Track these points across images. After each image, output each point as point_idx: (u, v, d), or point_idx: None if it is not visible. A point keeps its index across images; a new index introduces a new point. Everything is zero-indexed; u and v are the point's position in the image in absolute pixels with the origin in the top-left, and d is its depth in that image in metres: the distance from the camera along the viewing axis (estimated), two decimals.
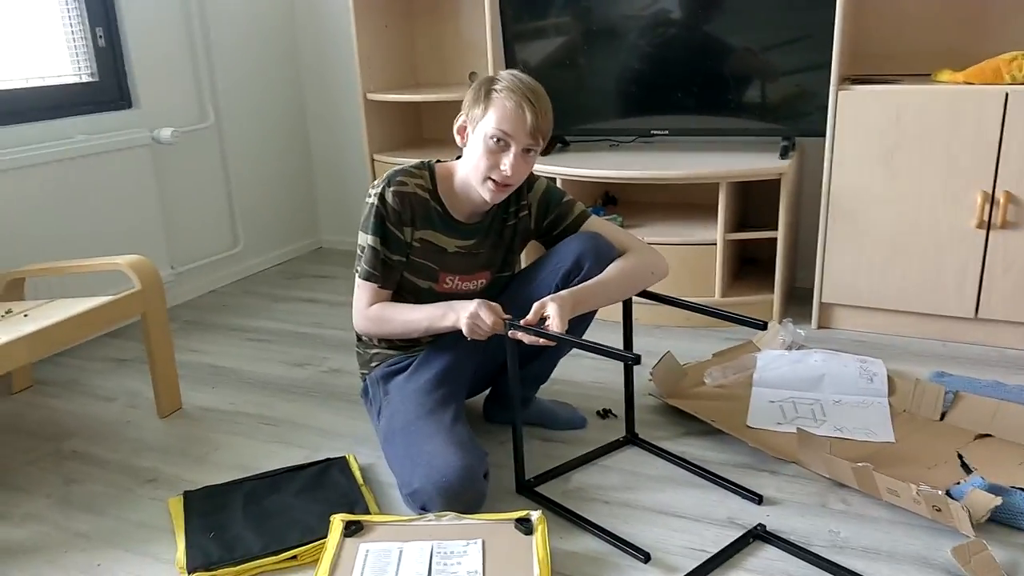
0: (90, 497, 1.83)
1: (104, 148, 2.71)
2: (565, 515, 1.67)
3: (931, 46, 2.60)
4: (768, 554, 1.54)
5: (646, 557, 1.53)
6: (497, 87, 1.65)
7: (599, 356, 2.43)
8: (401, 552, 1.49)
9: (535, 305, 1.59)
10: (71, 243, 2.63)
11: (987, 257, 2.32)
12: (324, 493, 1.76)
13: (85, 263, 2.22)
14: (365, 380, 1.94)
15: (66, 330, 1.92)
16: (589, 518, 1.66)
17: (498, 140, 1.65)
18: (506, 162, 1.66)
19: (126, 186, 2.80)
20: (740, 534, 1.58)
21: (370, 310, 1.77)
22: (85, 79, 2.79)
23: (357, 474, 1.83)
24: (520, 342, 1.60)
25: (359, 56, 3.15)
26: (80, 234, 2.66)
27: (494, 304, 1.65)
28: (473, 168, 1.69)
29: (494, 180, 1.68)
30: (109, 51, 2.83)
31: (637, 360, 1.42)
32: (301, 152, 3.72)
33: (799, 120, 2.64)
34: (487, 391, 2.08)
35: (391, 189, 1.72)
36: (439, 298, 1.77)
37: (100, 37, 2.80)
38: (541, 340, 1.56)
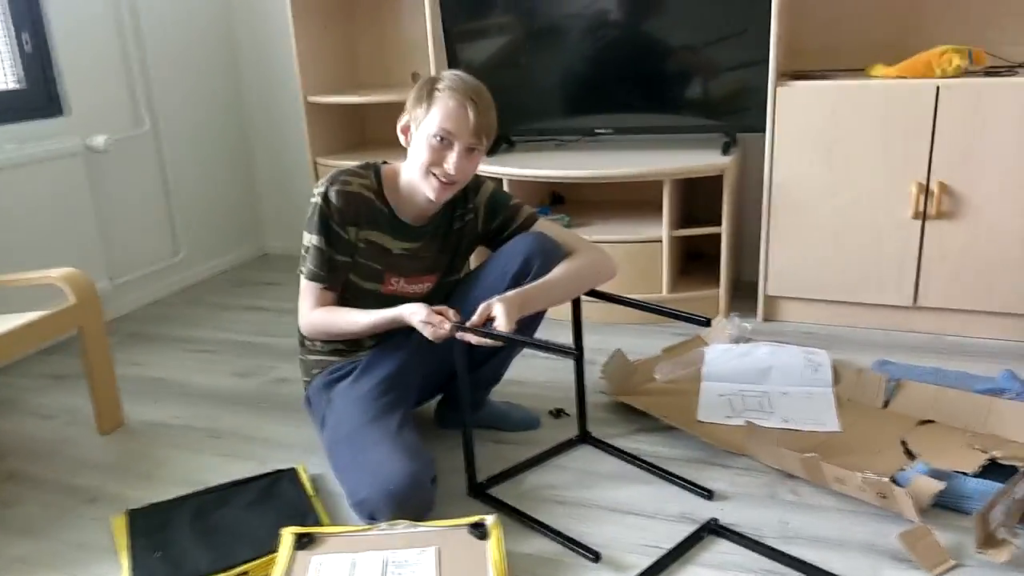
0: (28, 520, 1.77)
1: (35, 157, 2.62)
2: (518, 517, 1.66)
3: (865, 41, 2.65)
4: (722, 548, 1.55)
5: (596, 556, 1.53)
6: (440, 86, 1.64)
7: (551, 355, 2.44)
8: (354, 563, 1.46)
9: (481, 307, 1.58)
10: (2, 256, 2.53)
11: (924, 247, 2.39)
12: (274, 506, 1.72)
13: (16, 277, 2.14)
14: (307, 389, 1.90)
15: None
16: (543, 519, 1.65)
17: (441, 139, 1.64)
18: (450, 160, 1.65)
19: (59, 196, 2.71)
20: (694, 529, 1.59)
21: (314, 313, 1.75)
22: (12, 86, 2.69)
23: (307, 485, 1.79)
24: (470, 345, 1.59)
25: (298, 58, 3.10)
26: (12, 247, 2.56)
27: (443, 307, 1.64)
28: (417, 167, 1.69)
29: (437, 177, 1.67)
30: (36, 57, 2.74)
31: (579, 355, 1.42)
32: (242, 157, 3.65)
33: (740, 116, 2.68)
34: (439, 396, 2.06)
35: (335, 188, 1.70)
36: (384, 300, 1.75)
37: (26, 43, 2.70)
38: (488, 341, 1.55)
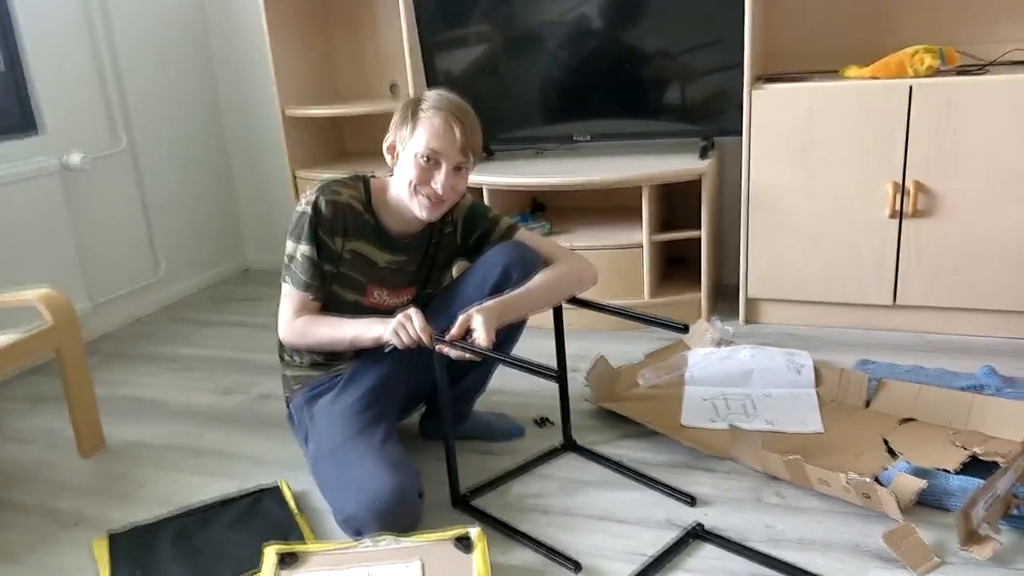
0: (7, 545, 1.74)
1: (10, 177, 2.60)
2: (502, 528, 1.66)
3: (838, 43, 2.67)
4: (707, 553, 1.55)
5: (576, 566, 1.53)
6: (424, 106, 1.64)
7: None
8: None
9: (460, 317, 1.58)
10: None
11: (901, 245, 2.40)
12: (257, 524, 1.71)
13: None
14: (289, 405, 1.89)
15: None
16: (528, 528, 1.65)
17: (428, 159, 1.64)
18: (438, 180, 1.65)
19: (36, 216, 2.69)
20: (679, 535, 1.59)
21: (296, 321, 1.74)
22: None
23: (291, 502, 1.78)
24: (450, 357, 1.58)
25: (275, 72, 3.09)
26: None
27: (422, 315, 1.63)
28: (405, 186, 1.69)
29: (427, 197, 1.67)
30: (10, 75, 2.71)
31: (561, 376, 1.41)
32: (221, 172, 3.63)
33: (716, 120, 2.69)
34: (423, 408, 2.05)
35: (324, 198, 1.70)
36: (364, 312, 1.74)
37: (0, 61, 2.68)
38: (467, 355, 1.54)
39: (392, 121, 1.71)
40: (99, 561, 1.64)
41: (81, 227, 2.93)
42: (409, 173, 1.67)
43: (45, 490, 1.96)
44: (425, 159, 1.64)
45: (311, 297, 1.73)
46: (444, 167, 1.65)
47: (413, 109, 1.66)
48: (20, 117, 2.75)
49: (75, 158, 2.83)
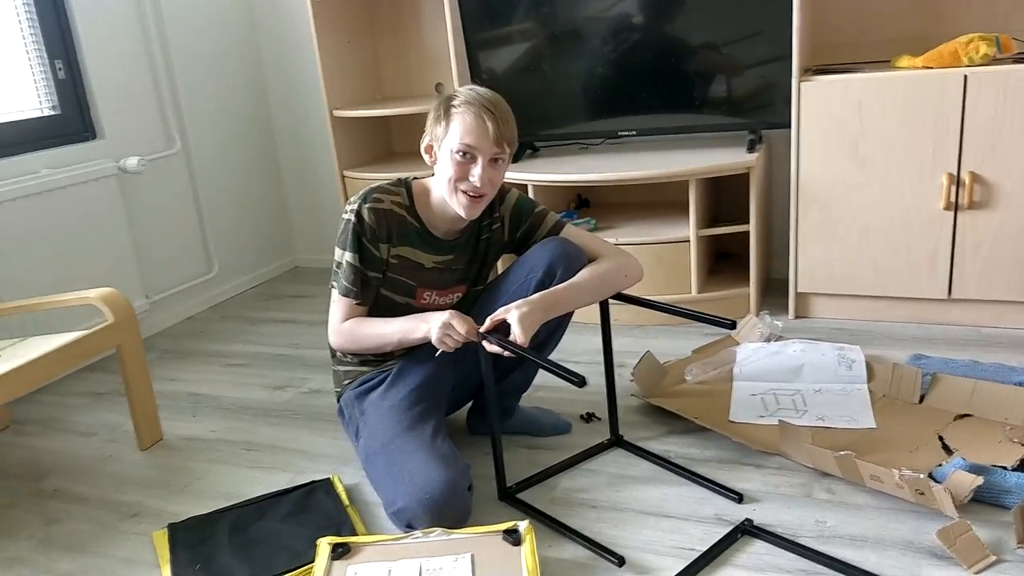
0: (73, 536, 1.81)
1: (70, 181, 2.69)
2: (548, 522, 1.67)
3: (889, 33, 2.62)
4: (757, 549, 1.54)
5: (620, 561, 1.53)
6: (455, 103, 1.66)
7: (579, 360, 2.44)
8: (390, 572, 1.48)
9: (499, 311, 1.60)
10: (42, 279, 2.60)
11: (956, 238, 2.35)
12: (310, 517, 1.75)
13: (56, 299, 2.19)
14: (340, 400, 1.93)
15: (40, 368, 1.90)
16: (576, 523, 1.66)
17: (464, 154, 1.66)
18: (475, 173, 1.67)
19: (95, 218, 2.78)
20: (728, 530, 1.59)
21: (343, 325, 1.78)
22: (47, 112, 2.76)
23: (343, 495, 1.81)
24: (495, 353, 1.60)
25: (323, 73, 3.14)
26: (51, 269, 2.63)
27: (466, 316, 1.65)
28: (445, 184, 1.70)
29: (466, 193, 1.69)
30: (70, 83, 2.81)
31: (583, 382, 1.41)
32: (271, 172, 3.70)
33: (764, 113, 2.66)
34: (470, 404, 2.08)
35: (367, 206, 1.72)
36: (416, 313, 1.77)
37: (60, 69, 2.77)
38: (504, 352, 1.55)
39: (427, 121, 1.73)
40: (160, 552, 1.69)
41: (137, 228, 3.01)
42: (447, 171, 1.69)
43: (106, 482, 2.03)
44: (461, 154, 1.66)
45: (356, 303, 1.77)
46: (480, 160, 1.66)
47: (445, 107, 1.67)
48: (80, 123, 2.85)
49: (132, 161, 2.91)
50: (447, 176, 1.69)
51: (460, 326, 1.61)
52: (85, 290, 2.16)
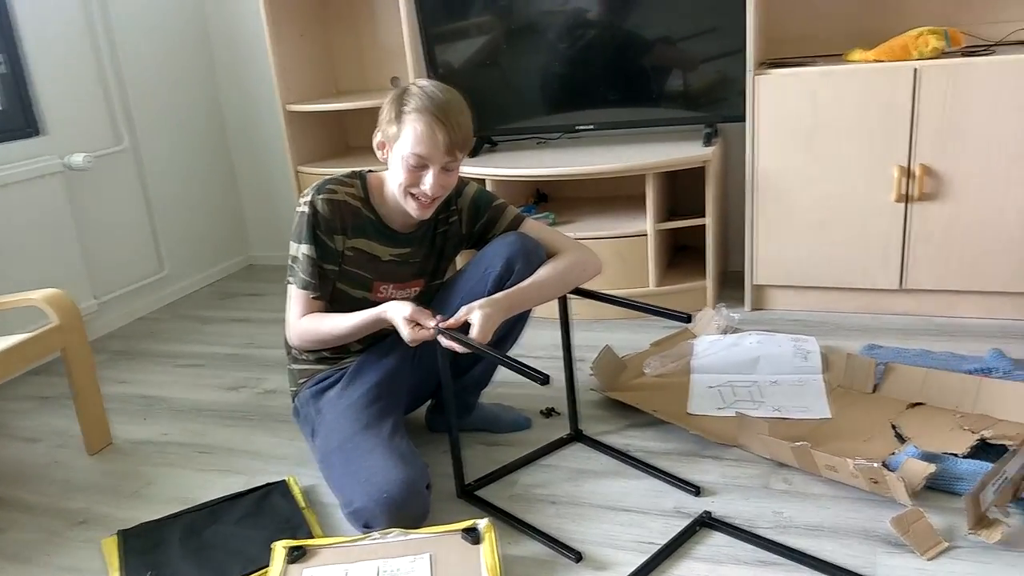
0: (17, 545, 1.75)
1: (13, 178, 2.60)
2: (506, 519, 1.66)
3: (842, 27, 2.65)
4: (716, 541, 1.55)
5: (577, 557, 1.52)
6: (407, 108, 1.61)
7: (538, 356, 2.43)
8: (347, 574, 1.45)
9: (462, 309, 1.58)
10: None
11: (908, 229, 2.38)
12: (265, 520, 1.71)
13: None
14: (295, 400, 1.89)
15: None
16: (536, 519, 1.65)
17: (415, 162, 1.63)
18: (426, 181, 1.64)
19: (40, 216, 2.69)
20: (687, 523, 1.59)
21: (302, 321, 1.74)
22: None
23: (299, 497, 1.78)
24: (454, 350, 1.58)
25: (275, 67, 3.08)
26: None
27: (425, 310, 1.63)
28: (397, 186, 1.68)
29: (417, 198, 1.67)
30: (11, 77, 2.71)
31: (546, 380, 1.40)
32: (224, 169, 3.63)
33: (719, 107, 2.68)
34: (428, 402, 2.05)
35: (321, 197, 1.70)
36: (374, 307, 1.74)
37: (1, 64, 2.68)
38: (458, 347, 1.53)
39: (380, 116, 1.68)
40: (109, 559, 1.64)
41: (85, 226, 2.93)
42: (399, 176, 1.66)
43: (53, 489, 1.97)
44: (412, 163, 1.63)
45: (313, 295, 1.73)
46: (432, 169, 1.64)
47: (397, 110, 1.63)
48: (22, 119, 2.75)
49: (77, 158, 2.83)
50: (398, 180, 1.66)
51: (425, 319, 1.58)
52: (29, 291, 2.10)
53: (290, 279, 1.75)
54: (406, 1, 2.83)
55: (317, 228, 1.70)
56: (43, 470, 2.07)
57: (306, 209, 1.70)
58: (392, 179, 1.70)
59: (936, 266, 2.39)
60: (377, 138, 1.71)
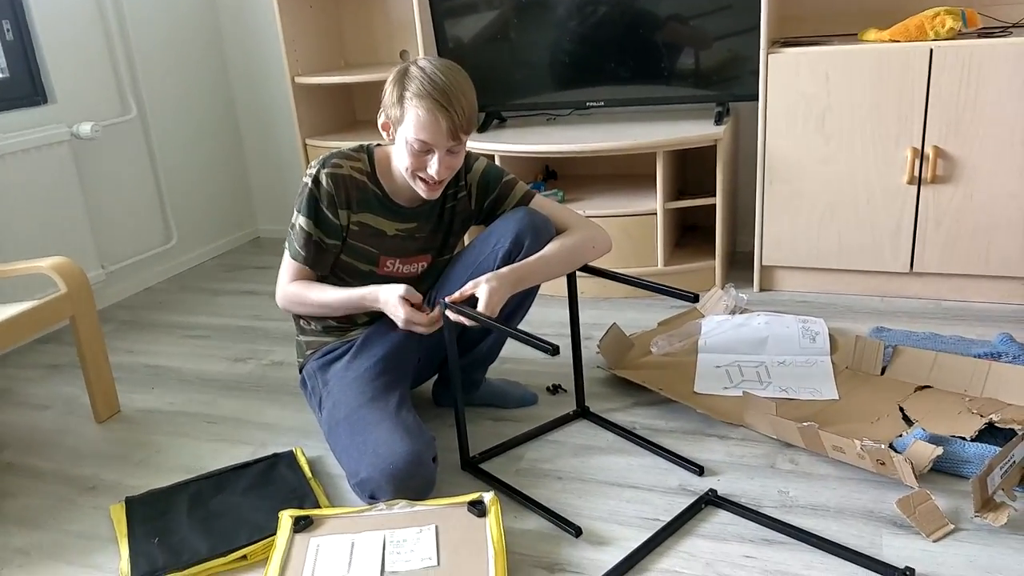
0: (27, 511, 1.76)
1: (20, 146, 2.59)
2: (510, 492, 1.66)
3: (857, 6, 2.62)
4: (720, 518, 1.55)
5: (577, 531, 1.53)
6: (408, 92, 1.59)
7: (546, 332, 2.43)
8: (353, 544, 1.46)
9: (469, 284, 1.58)
10: None
11: (919, 212, 2.37)
12: (272, 489, 1.72)
13: (6, 268, 2.12)
14: (302, 371, 1.90)
15: None
16: (541, 493, 1.65)
17: (420, 147, 1.62)
18: (432, 165, 1.63)
19: (47, 185, 2.69)
20: (692, 501, 1.59)
21: (290, 286, 1.76)
22: None
23: (305, 468, 1.79)
24: (462, 324, 1.58)
25: (284, 39, 3.06)
26: (1, 238, 2.55)
27: (416, 292, 1.64)
28: (403, 168, 1.67)
29: (424, 180, 1.66)
30: (19, 45, 2.70)
31: (556, 350, 1.39)
32: (232, 141, 3.62)
33: (731, 85, 2.65)
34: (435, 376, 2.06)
35: (325, 171, 1.69)
36: (380, 281, 1.74)
37: (8, 31, 2.66)
38: (467, 321, 1.54)
39: (383, 96, 1.66)
40: (117, 525, 1.65)
41: (93, 196, 2.93)
42: (404, 159, 1.65)
43: (62, 456, 1.98)
44: (417, 148, 1.62)
45: (303, 266, 1.75)
46: (437, 153, 1.62)
47: (400, 92, 1.60)
48: (30, 87, 2.74)
49: (85, 127, 2.82)
50: (404, 163, 1.65)
51: (418, 318, 1.60)
52: (36, 259, 2.10)
53: (285, 246, 1.78)
54: None
55: (319, 202, 1.69)
56: (52, 436, 2.08)
57: (310, 183, 1.70)
58: (399, 160, 1.69)
59: (946, 250, 2.38)
60: (381, 119, 1.69)
